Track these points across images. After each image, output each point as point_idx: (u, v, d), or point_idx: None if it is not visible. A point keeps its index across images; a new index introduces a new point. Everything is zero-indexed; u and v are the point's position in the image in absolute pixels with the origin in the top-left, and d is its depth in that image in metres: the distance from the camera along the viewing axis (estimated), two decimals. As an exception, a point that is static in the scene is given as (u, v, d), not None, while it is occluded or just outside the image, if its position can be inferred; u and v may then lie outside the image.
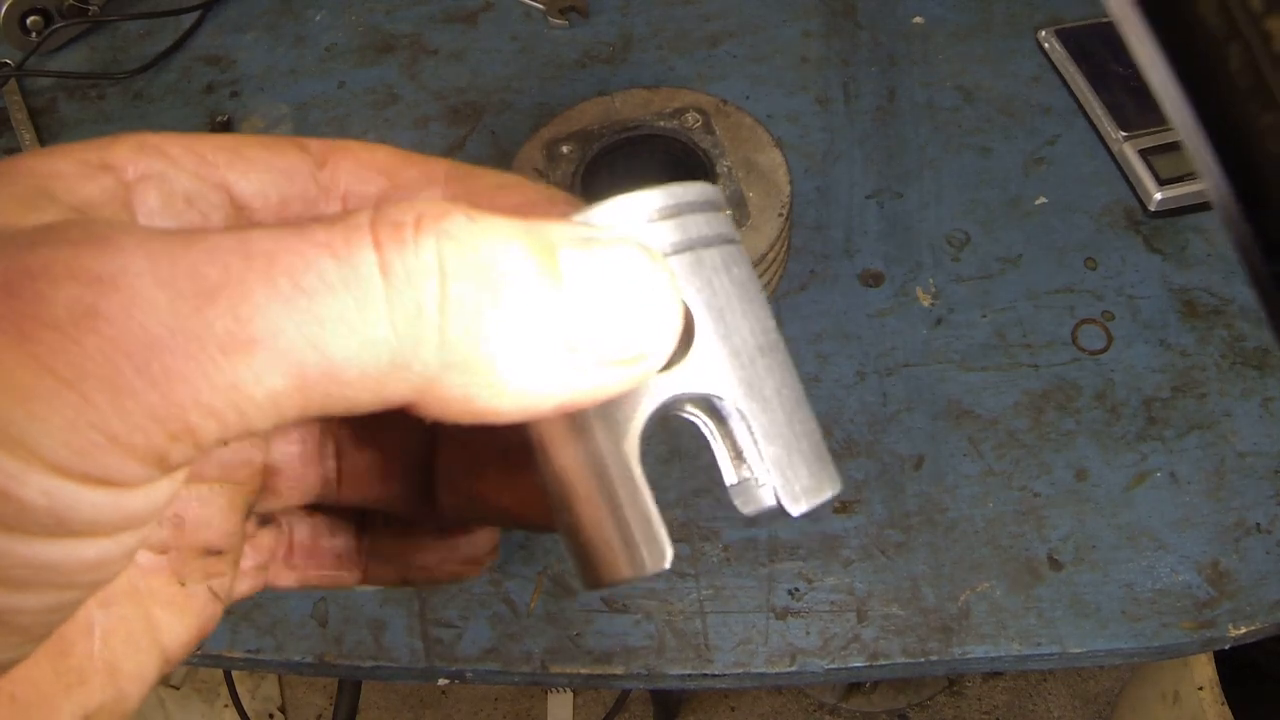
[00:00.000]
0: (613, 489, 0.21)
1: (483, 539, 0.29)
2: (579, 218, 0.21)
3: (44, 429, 0.16)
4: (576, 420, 0.21)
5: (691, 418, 0.22)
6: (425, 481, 0.28)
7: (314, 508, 0.28)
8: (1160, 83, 0.18)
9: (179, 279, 0.16)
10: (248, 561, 0.27)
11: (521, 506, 0.26)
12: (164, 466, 0.17)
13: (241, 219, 0.23)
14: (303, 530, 0.29)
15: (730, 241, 0.23)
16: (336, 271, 0.17)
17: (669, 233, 0.21)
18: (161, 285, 0.16)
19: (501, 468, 0.26)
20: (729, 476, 0.22)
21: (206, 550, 0.25)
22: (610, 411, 0.21)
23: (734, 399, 0.21)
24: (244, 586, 0.27)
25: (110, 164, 0.20)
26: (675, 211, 0.22)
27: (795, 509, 0.22)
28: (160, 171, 0.21)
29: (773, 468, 0.22)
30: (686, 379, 0.21)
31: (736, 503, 0.22)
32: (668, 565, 0.21)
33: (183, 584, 0.24)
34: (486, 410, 0.19)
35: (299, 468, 0.27)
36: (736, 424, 0.22)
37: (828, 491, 0.22)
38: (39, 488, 0.16)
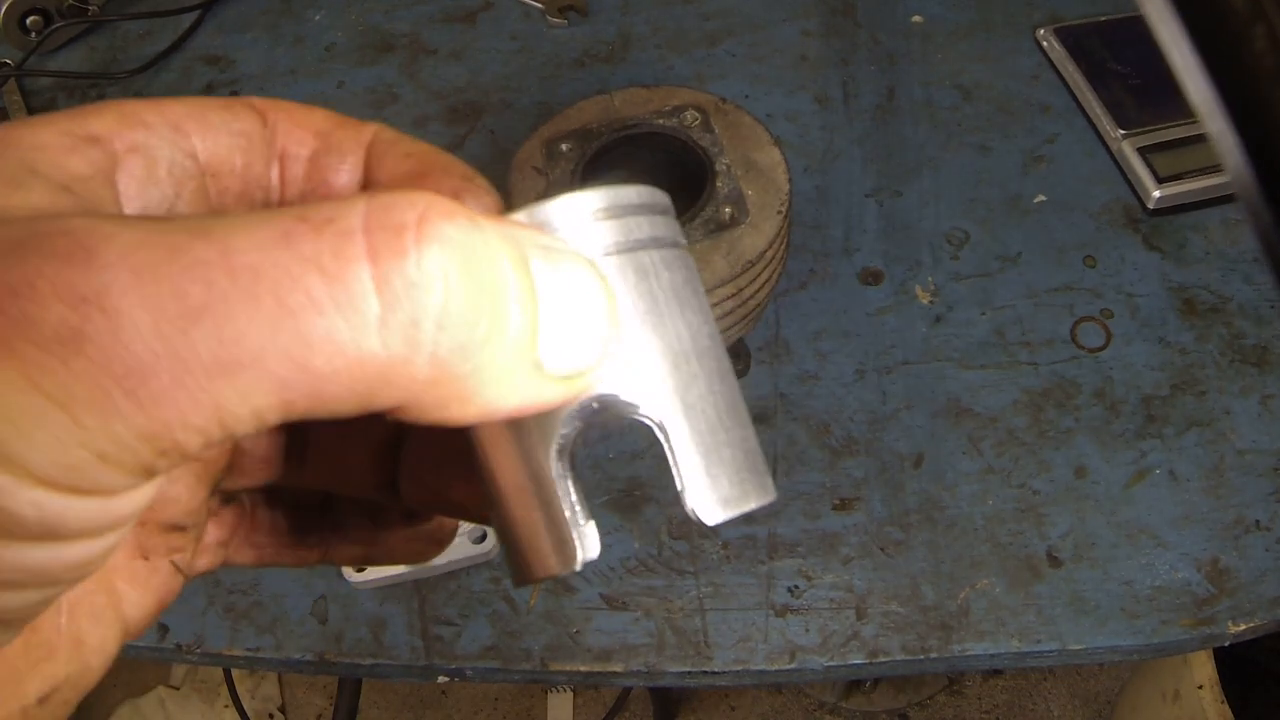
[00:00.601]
0: (540, 488, 0.22)
1: (446, 522, 0.30)
2: (523, 215, 0.21)
3: (34, 447, 0.16)
4: (511, 422, 0.22)
5: (647, 421, 0.22)
6: (390, 471, 0.28)
7: (279, 487, 0.29)
8: (1183, 64, 0.17)
9: (163, 298, 0.16)
10: (210, 537, 0.27)
11: (481, 503, 0.26)
12: (149, 476, 0.17)
13: (212, 186, 0.23)
14: (266, 508, 0.29)
15: (671, 245, 0.23)
16: (325, 289, 0.16)
17: (608, 233, 0.21)
18: (146, 306, 0.16)
19: (464, 465, 0.26)
20: (679, 482, 0.22)
21: (171, 527, 0.25)
22: (541, 415, 0.21)
23: (650, 404, 0.21)
24: (204, 561, 0.27)
25: (96, 136, 0.20)
26: (617, 213, 0.22)
27: (709, 518, 0.22)
28: (143, 143, 0.21)
29: (690, 474, 0.22)
30: (606, 381, 0.21)
31: (688, 510, 0.22)
32: (594, 555, 0.22)
33: (146, 558, 0.25)
34: (450, 418, 0.19)
35: (267, 450, 0.27)
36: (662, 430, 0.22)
37: (752, 502, 0.22)
38: (29, 500, 0.16)
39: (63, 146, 0.20)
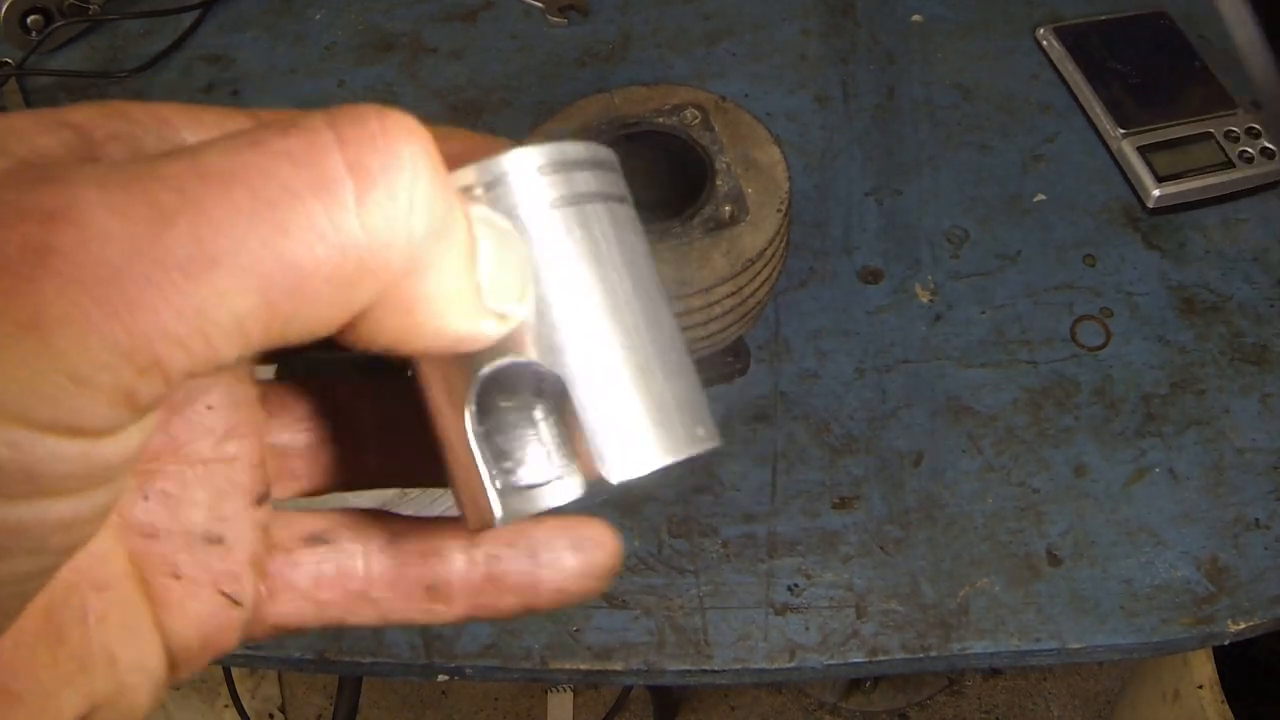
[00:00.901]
0: (466, 438, 0.22)
1: (598, 533, 0.26)
2: (461, 171, 0.22)
3: (5, 379, 0.15)
4: (444, 365, 0.22)
5: (554, 372, 0.22)
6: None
7: (394, 529, 0.26)
8: (1245, 40, 0.18)
9: (133, 206, 0.16)
10: (300, 579, 0.25)
11: None
12: (133, 406, 0.16)
13: None
14: (381, 554, 0.26)
15: (615, 200, 0.23)
16: (299, 177, 0.16)
17: (550, 187, 0.22)
18: (115, 213, 0.16)
19: None
20: (588, 436, 0.22)
21: (204, 537, 0.23)
22: (464, 362, 0.22)
23: (548, 360, 0.21)
24: (289, 607, 0.25)
25: (72, 122, 0.20)
26: (556, 168, 0.22)
27: (612, 475, 0.21)
28: (126, 132, 0.21)
29: (589, 432, 0.21)
30: (527, 330, 0.22)
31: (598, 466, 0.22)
32: (520, 511, 0.22)
33: (177, 577, 0.23)
34: (410, 331, 0.19)
35: (312, 448, 0.26)
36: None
37: (684, 451, 0.22)
38: (4, 440, 0.15)
39: (35, 129, 0.19)
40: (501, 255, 0.20)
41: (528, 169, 0.22)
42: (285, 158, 0.16)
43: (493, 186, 0.22)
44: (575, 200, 0.22)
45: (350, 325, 0.18)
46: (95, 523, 0.18)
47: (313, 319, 0.17)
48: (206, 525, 0.23)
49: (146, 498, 0.22)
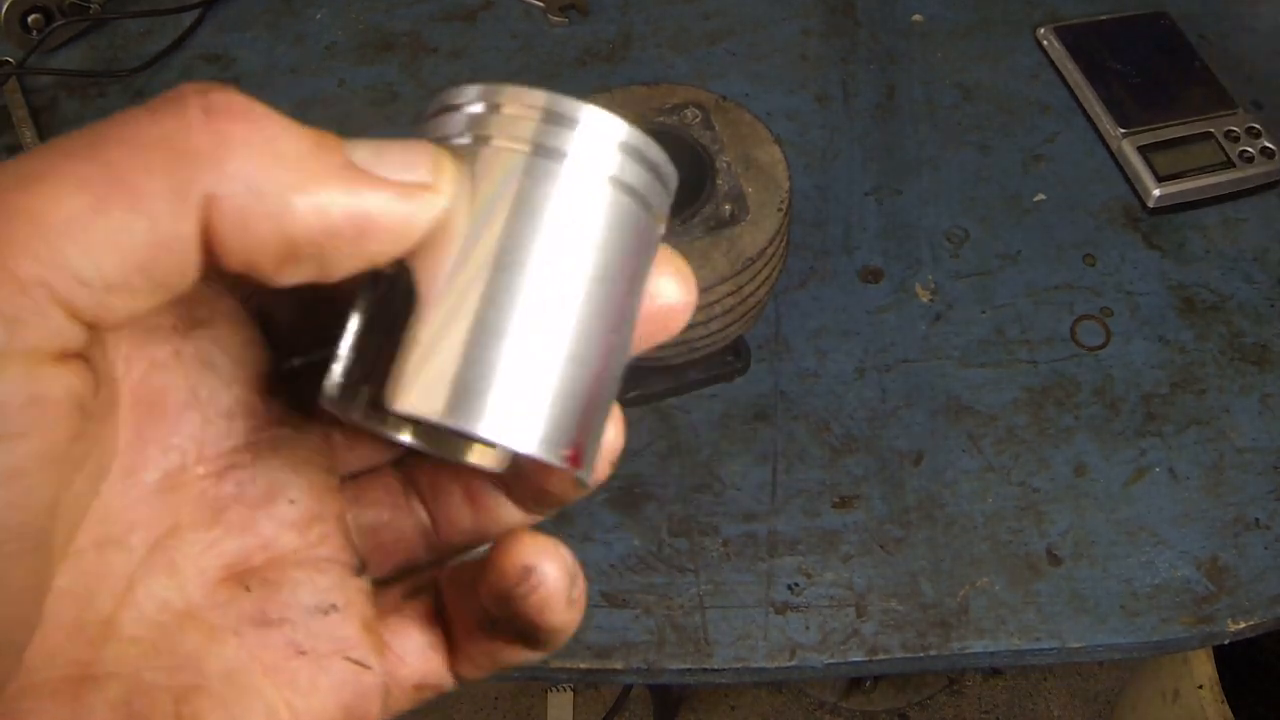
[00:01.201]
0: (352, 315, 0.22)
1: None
2: (528, 90, 0.22)
3: None
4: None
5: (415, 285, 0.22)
6: (504, 487, 0.26)
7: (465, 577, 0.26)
8: None
9: None
10: (419, 632, 0.25)
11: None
12: (14, 329, 0.17)
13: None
14: (466, 605, 0.25)
15: (646, 207, 0.22)
16: (103, 122, 0.19)
17: (605, 158, 0.22)
18: None
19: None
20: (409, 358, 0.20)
21: (316, 608, 0.23)
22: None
23: (470, 281, 0.20)
24: (420, 662, 0.25)
25: None
26: (627, 151, 0.22)
27: (395, 403, 0.20)
28: None
29: (401, 353, 0.20)
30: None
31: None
32: (329, 397, 0.22)
33: (301, 652, 0.23)
34: (293, 223, 0.19)
35: (397, 522, 0.26)
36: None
37: (483, 426, 0.20)
38: None
39: None
40: (388, 143, 0.20)
41: (605, 133, 0.22)
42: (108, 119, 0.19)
43: (553, 121, 0.21)
44: (623, 189, 0.22)
45: (218, 235, 0.19)
46: (35, 477, 0.18)
47: (156, 224, 0.18)
48: (315, 598, 0.23)
49: (248, 589, 0.23)
